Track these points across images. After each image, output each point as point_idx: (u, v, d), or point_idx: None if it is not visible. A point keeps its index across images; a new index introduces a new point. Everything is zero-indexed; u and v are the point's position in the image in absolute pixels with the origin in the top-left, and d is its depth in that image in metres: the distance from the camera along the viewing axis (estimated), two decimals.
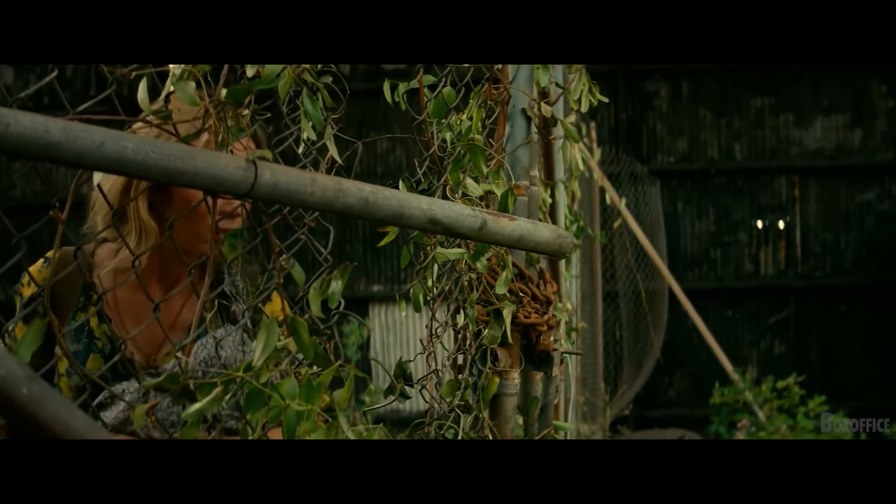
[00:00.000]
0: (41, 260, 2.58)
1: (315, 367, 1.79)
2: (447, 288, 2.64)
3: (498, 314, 2.63)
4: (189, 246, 2.42)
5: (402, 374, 2.42)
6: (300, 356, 1.78)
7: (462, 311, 2.63)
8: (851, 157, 11.92)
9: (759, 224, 12.13)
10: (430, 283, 2.58)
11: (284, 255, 1.81)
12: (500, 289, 2.58)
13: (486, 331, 2.63)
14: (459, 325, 2.63)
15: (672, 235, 11.82)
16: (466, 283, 2.59)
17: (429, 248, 2.50)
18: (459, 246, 2.53)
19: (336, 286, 1.86)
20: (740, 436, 8.84)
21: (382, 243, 2.41)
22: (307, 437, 1.72)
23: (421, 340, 2.63)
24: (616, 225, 9.85)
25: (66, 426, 1.39)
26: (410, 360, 2.45)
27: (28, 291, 2.53)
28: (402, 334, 12.38)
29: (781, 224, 12.09)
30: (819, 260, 12.04)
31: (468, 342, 2.64)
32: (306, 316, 1.82)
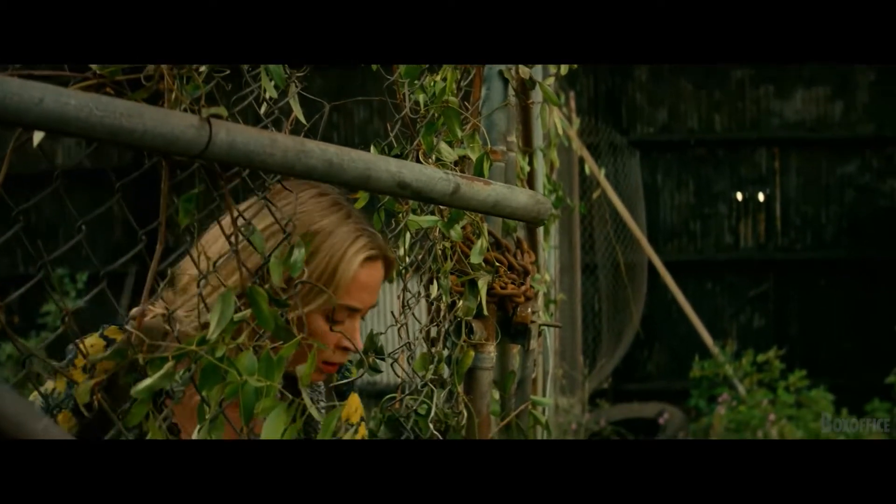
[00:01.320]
0: (98, 332, 2.08)
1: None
2: (420, 257, 2.57)
3: (473, 285, 2.55)
4: (290, 369, 1.99)
5: (373, 347, 2.33)
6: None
7: (435, 282, 2.54)
8: (832, 129, 11.87)
9: (739, 196, 12.09)
10: (401, 251, 2.50)
11: (243, 222, 1.70)
12: (476, 258, 2.49)
13: (461, 302, 2.55)
14: (433, 297, 2.55)
15: (651, 207, 11.75)
16: (440, 252, 2.50)
17: (400, 215, 2.41)
18: (433, 213, 2.44)
19: (299, 254, 1.76)
20: (721, 410, 8.77)
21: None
22: (266, 415, 1.63)
23: (393, 312, 2.56)
24: (595, 196, 9.78)
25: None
26: (382, 333, 2.39)
27: (82, 377, 1.88)
28: (380, 303, 12.28)
29: (761, 196, 12.05)
30: (799, 233, 12.02)
31: (442, 314, 2.56)
32: (266, 286, 1.72)
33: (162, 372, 1.54)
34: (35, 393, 1.96)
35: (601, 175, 9.23)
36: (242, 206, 1.81)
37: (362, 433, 2.34)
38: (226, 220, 1.91)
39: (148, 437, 1.60)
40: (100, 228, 11.24)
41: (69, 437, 1.41)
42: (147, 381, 1.54)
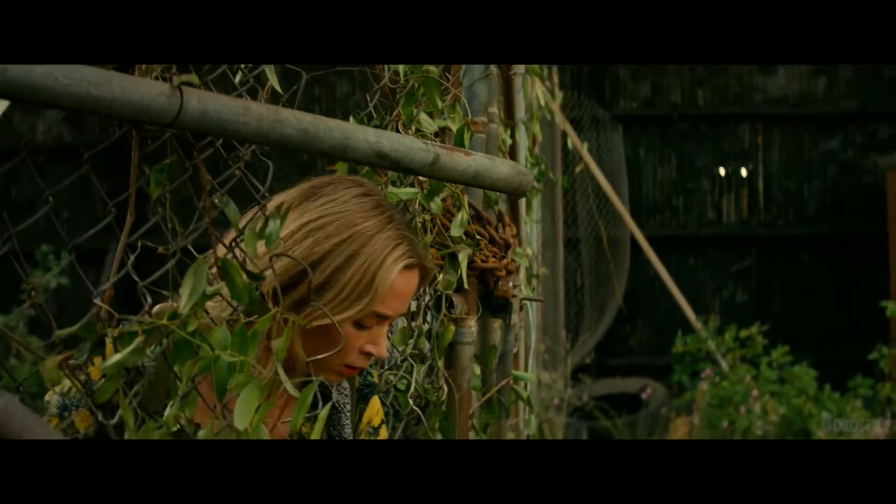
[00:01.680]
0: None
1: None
2: None
3: (453, 258, 2.52)
4: (306, 368, 1.97)
5: None
6: None
7: None
8: (815, 105, 11.84)
9: (722, 171, 12.06)
10: None
11: (217, 193, 1.65)
12: (456, 231, 2.46)
13: (441, 276, 2.51)
14: None
15: (634, 182, 11.71)
16: (420, 225, 2.46)
17: (380, 187, 2.38)
18: (413, 185, 2.40)
19: (274, 226, 1.72)
20: (704, 386, 8.76)
21: None
22: (240, 391, 1.59)
23: None
24: (578, 170, 9.73)
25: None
26: None
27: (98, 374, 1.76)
28: None
29: (744, 171, 12.02)
30: (782, 209, 11.99)
31: (422, 288, 2.53)
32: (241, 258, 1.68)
33: (132, 347, 1.50)
34: (51, 392, 1.92)
35: (584, 149, 9.18)
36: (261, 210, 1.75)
37: (383, 436, 2.29)
38: (293, 217, 1.92)
39: (119, 414, 1.55)
40: (84, 204, 11.14)
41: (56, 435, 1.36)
42: (116, 357, 1.49)
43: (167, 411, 1.60)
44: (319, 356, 1.93)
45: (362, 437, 2.22)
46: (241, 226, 1.67)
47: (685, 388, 9.82)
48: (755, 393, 8.49)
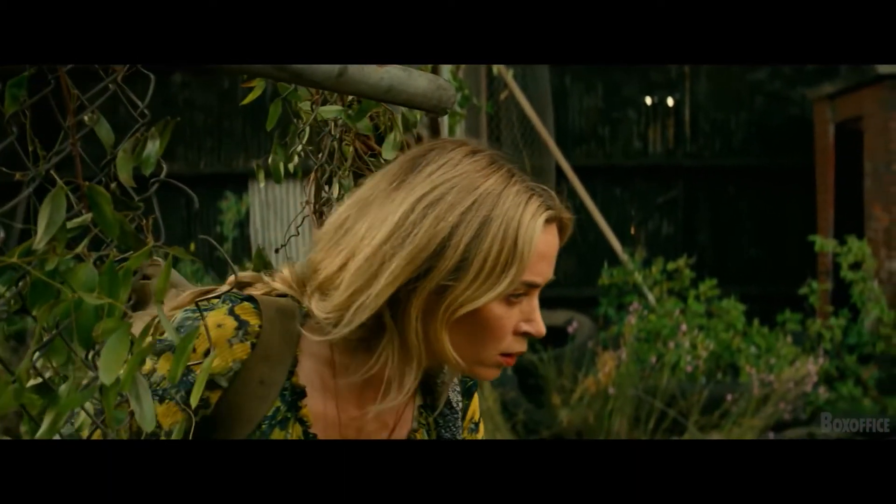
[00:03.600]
0: (226, 307, 1.70)
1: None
2: (322, 156, 2.33)
3: None
4: (460, 368, 1.74)
5: (262, 264, 2.13)
6: None
7: (337, 183, 2.32)
8: None
9: (649, 101, 11.97)
10: (298, 149, 2.25)
11: (87, 109, 1.41)
12: (389, 153, 2.21)
13: None
14: (334, 199, 2.29)
15: (560, 111, 11.56)
16: (346, 149, 2.24)
17: (311, 107, 2.19)
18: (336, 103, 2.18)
19: (153, 147, 1.46)
20: (631, 320, 8.64)
21: (247, 100, 2.13)
22: (109, 337, 1.34)
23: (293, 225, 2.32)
24: (503, 97, 9.57)
25: None
26: (282, 245, 2.26)
27: (199, 357, 1.63)
28: (283, 212, 12.05)
29: (671, 101, 11.95)
30: (709, 140, 11.97)
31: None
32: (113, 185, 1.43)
33: None
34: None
35: (509, 76, 9.06)
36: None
37: (481, 432, 2.03)
38: (401, 196, 1.65)
39: None
40: None
41: None
42: None
43: (22, 363, 1.36)
44: (444, 352, 1.69)
45: (465, 434, 1.96)
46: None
47: (612, 321, 9.72)
48: (684, 328, 8.40)
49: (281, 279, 1.77)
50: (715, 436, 7.59)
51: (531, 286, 1.70)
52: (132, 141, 1.45)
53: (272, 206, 12.18)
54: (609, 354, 8.01)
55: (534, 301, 1.73)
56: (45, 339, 1.37)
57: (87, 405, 1.41)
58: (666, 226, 11.87)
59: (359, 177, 2.32)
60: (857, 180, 10.54)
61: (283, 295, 1.75)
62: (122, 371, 1.33)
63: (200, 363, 1.59)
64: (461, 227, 1.63)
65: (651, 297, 9.24)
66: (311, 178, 2.34)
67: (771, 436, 7.74)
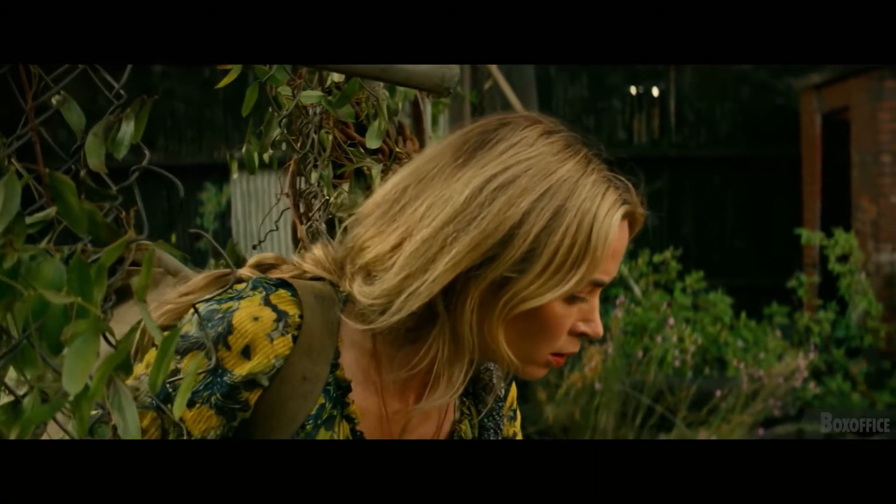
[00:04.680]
0: (260, 295, 1.55)
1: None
2: (300, 144, 2.25)
3: (360, 175, 2.16)
4: (510, 365, 1.61)
5: (236, 259, 2.07)
6: None
7: (317, 172, 2.25)
8: None
9: (634, 90, 11.92)
10: (276, 136, 2.18)
11: (52, 90, 1.27)
12: (373, 142, 2.08)
13: (334, 197, 2.16)
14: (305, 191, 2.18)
15: (544, 100, 11.49)
16: (324, 137, 2.12)
17: (294, 91, 2.09)
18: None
19: (128, 129, 1.30)
20: (618, 313, 8.55)
21: (222, 84, 2.03)
22: (79, 338, 1.18)
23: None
24: (487, 87, 9.46)
25: None
26: (261, 242, 2.24)
27: (239, 362, 1.50)
28: (264, 203, 11.96)
29: (656, 91, 11.91)
30: (694, 130, 11.93)
31: (315, 210, 2.19)
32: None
33: None
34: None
35: (493, 66, 8.92)
36: None
37: (517, 422, 1.90)
38: (468, 174, 1.50)
39: None
40: None
41: None
42: None
43: None
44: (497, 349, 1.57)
45: (505, 423, 1.84)
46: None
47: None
48: (672, 321, 8.32)
49: (313, 260, 1.63)
50: (703, 432, 7.48)
51: (597, 285, 1.57)
52: (104, 123, 1.29)
53: (254, 197, 12.08)
54: (595, 349, 7.91)
55: (595, 301, 1.59)
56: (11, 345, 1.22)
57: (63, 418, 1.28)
58: (651, 217, 11.81)
59: (338, 167, 2.21)
60: (844, 171, 10.49)
61: (316, 278, 1.61)
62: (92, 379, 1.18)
63: (238, 363, 1.50)
64: (532, 214, 1.48)
65: (637, 290, 9.17)
66: (289, 167, 2.23)
67: (761, 433, 7.63)
